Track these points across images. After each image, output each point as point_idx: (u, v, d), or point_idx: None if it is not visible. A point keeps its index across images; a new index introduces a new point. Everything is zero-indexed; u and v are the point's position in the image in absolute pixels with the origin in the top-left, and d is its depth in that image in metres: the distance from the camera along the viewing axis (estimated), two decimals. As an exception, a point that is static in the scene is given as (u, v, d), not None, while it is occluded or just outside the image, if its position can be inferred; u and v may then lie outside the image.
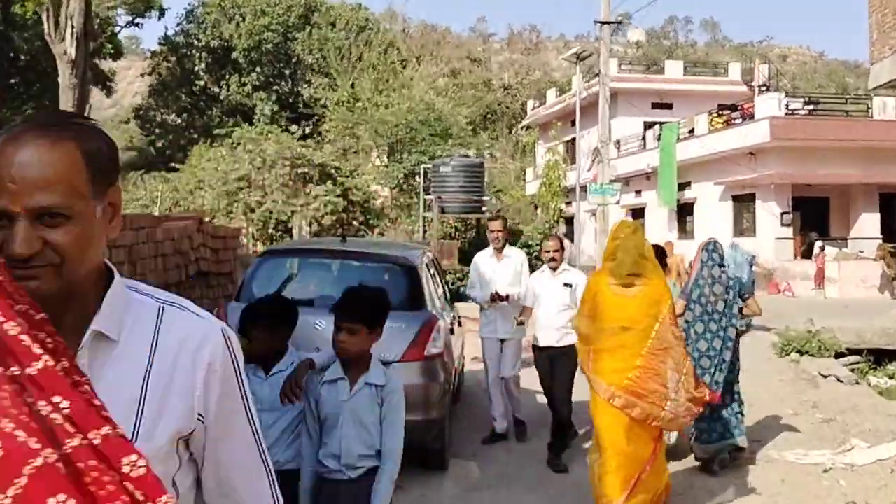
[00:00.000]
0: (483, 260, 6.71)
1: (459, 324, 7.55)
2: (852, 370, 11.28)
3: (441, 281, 7.39)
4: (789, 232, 22.63)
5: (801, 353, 11.58)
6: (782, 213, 22.48)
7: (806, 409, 8.22)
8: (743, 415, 5.96)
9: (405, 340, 5.53)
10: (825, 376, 9.73)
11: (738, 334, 5.93)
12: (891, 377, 12.20)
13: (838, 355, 11.83)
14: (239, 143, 18.77)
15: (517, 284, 6.47)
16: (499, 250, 6.56)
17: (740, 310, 5.81)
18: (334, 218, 17.79)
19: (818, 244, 21.75)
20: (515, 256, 6.68)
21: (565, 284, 6.19)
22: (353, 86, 26.44)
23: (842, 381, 9.43)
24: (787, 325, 13.98)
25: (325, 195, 17.71)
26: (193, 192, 17.96)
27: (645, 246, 4.53)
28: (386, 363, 3.27)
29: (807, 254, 22.52)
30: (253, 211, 17.28)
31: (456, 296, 8.90)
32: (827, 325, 13.06)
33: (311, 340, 4.65)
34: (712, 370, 5.62)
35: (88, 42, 19.56)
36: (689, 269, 6.75)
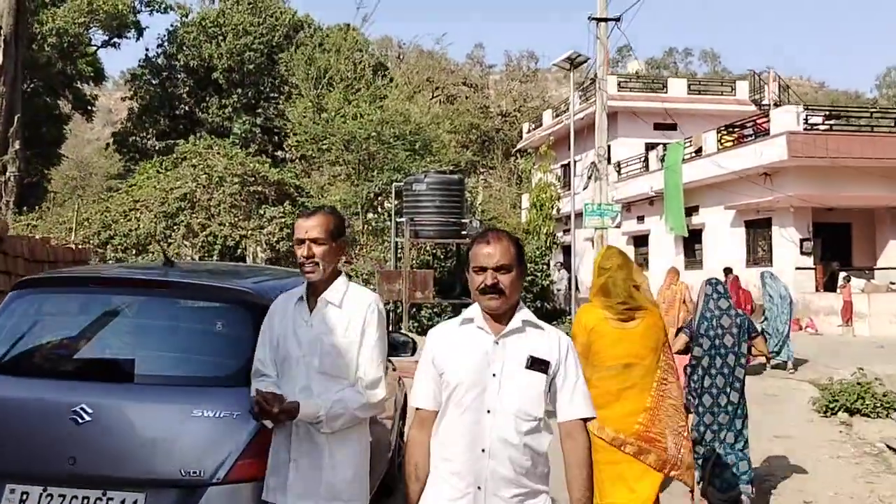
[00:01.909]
0: None
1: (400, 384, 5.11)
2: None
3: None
4: (810, 261, 20.22)
5: (850, 411, 9.11)
6: (802, 240, 20.09)
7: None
8: (749, 462, 5.44)
9: (237, 440, 3.19)
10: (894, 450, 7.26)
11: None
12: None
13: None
14: (184, 159, 16.46)
15: None
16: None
17: (749, 348, 5.51)
18: (291, 244, 15.41)
19: (842, 275, 19.32)
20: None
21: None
22: (319, 97, 24.18)
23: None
24: (830, 375, 11.53)
25: (282, 217, 15.37)
26: (127, 213, 15.60)
27: (635, 274, 4.23)
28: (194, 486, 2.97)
29: (828, 286, 20.09)
30: (196, 235, 14.92)
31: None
32: (862, 369, 10.61)
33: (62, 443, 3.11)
34: (714, 409, 5.37)
35: (20, 46, 17.20)
36: (693, 302, 6.69)
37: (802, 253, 20.09)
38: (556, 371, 2.52)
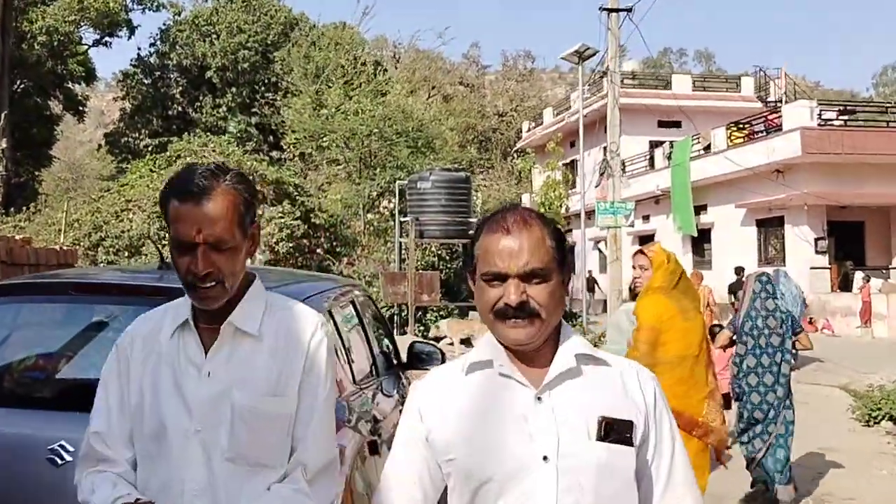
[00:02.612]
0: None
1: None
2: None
3: (375, 335, 4.34)
4: (825, 260, 19.68)
5: (895, 420, 8.51)
6: (817, 239, 19.54)
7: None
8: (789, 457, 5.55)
9: None
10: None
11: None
12: None
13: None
14: (178, 157, 15.78)
15: None
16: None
17: (793, 344, 5.60)
18: (292, 245, 14.77)
19: (860, 275, 18.78)
20: None
21: None
22: (318, 92, 23.47)
23: None
24: (859, 380, 10.96)
25: (281, 217, 14.72)
26: (119, 214, 14.91)
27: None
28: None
29: (843, 286, 19.56)
30: (191, 237, 14.23)
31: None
32: (888, 372, 10.07)
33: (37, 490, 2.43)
34: (763, 406, 5.47)
35: (7, 41, 16.51)
36: (734, 303, 7.06)
37: (817, 252, 19.55)
38: (644, 436, 1.50)
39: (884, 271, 19.58)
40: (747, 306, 5.55)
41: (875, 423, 8.59)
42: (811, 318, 18.31)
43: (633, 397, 1.50)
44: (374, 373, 3.95)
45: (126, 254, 14.38)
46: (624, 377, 1.52)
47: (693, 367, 4.16)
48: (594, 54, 16.62)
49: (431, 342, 5.50)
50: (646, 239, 26.67)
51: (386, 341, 4.66)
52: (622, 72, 34.89)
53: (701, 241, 23.55)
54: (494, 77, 73.55)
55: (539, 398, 1.46)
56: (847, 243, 20.76)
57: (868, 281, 17.79)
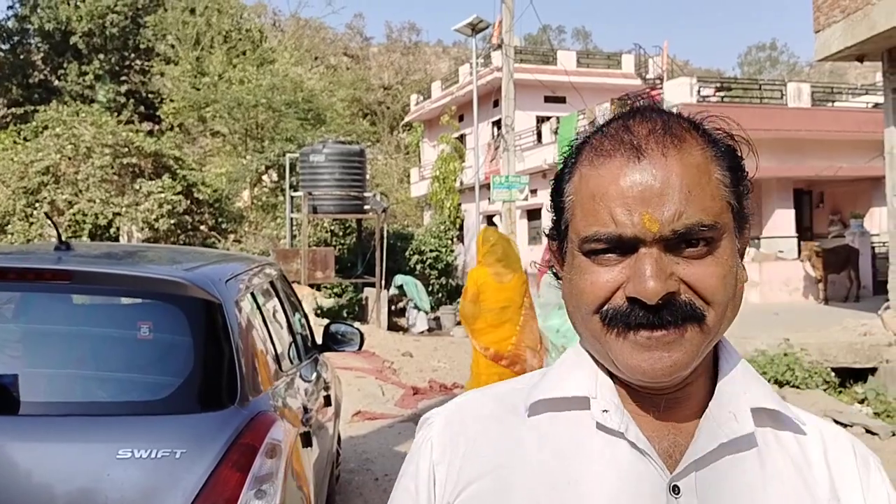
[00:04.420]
0: None
1: (327, 388, 4.18)
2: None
3: (294, 317, 4.04)
4: (702, 231, 20.59)
5: (780, 383, 8.97)
6: (694, 211, 20.40)
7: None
8: None
9: (184, 489, 2.27)
10: (845, 425, 7.04)
11: None
12: (861, 402, 9.79)
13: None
14: (46, 127, 14.56)
15: None
16: None
17: None
18: (173, 221, 13.98)
19: (734, 244, 19.84)
20: None
21: None
22: (199, 59, 22.30)
23: (875, 434, 6.75)
24: (740, 344, 11.49)
25: (161, 192, 13.88)
26: (-20, 189, 13.64)
27: (511, 246, 6.02)
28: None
29: (718, 255, 20.60)
30: (62, 213, 13.21)
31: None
32: (788, 340, 10.69)
33: None
34: None
35: None
36: None
37: (695, 223, 20.41)
38: None
39: (755, 241, 20.71)
40: None
41: (762, 386, 9.03)
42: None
43: (850, 490, 0.85)
44: (298, 358, 3.68)
45: (-11, 233, 13.20)
46: (828, 451, 0.86)
47: (501, 315, 5.64)
48: (487, 27, 16.56)
49: (350, 323, 5.25)
50: (534, 212, 27.09)
51: (303, 321, 4.37)
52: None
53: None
54: (378, 49, 72.79)
55: (676, 488, 0.79)
56: (720, 215, 21.79)
57: (742, 251, 18.78)
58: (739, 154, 0.87)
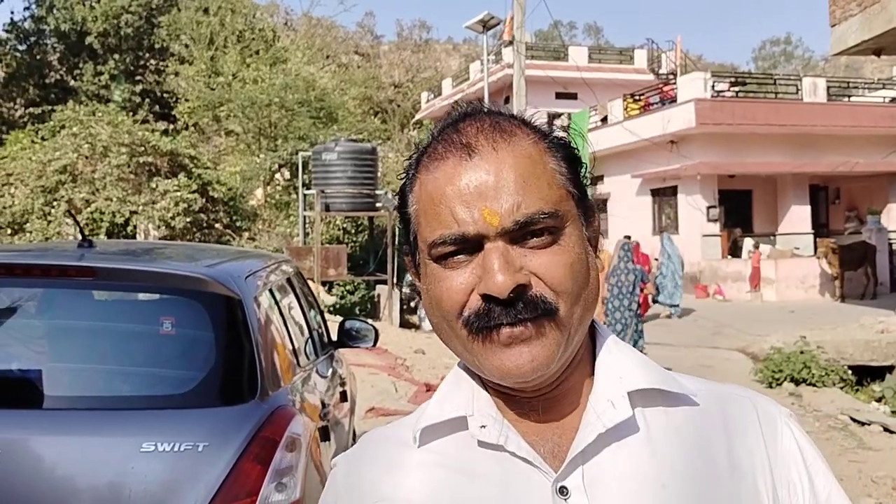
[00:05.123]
0: None
1: (342, 384, 4.21)
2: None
3: (310, 313, 4.08)
4: (716, 228, 20.51)
5: (796, 381, 8.92)
6: (708, 208, 20.32)
7: (880, 490, 5.37)
8: None
9: (206, 481, 2.30)
10: (862, 423, 7.00)
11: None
12: (878, 400, 9.72)
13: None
14: (63, 127, 14.71)
15: None
16: None
17: (641, 289, 9.58)
18: (189, 220, 14.07)
19: (749, 241, 19.71)
20: None
21: None
22: (213, 59, 22.42)
23: (893, 433, 6.70)
24: (756, 343, 11.46)
25: (177, 191, 13.98)
26: (0, 188, 13.79)
27: None
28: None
29: (733, 252, 20.50)
30: (79, 212, 13.34)
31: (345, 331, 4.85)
32: (805, 337, 10.60)
33: None
34: (620, 328, 9.18)
35: None
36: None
37: (709, 220, 20.33)
38: None
39: (771, 238, 20.61)
40: (614, 266, 9.30)
41: (777, 384, 8.98)
42: (706, 285, 19.16)
43: (750, 455, 0.82)
44: (315, 354, 3.71)
45: (9, 231, 13.35)
46: (727, 418, 0.84)
47: None
48: (498, 24, 16.55)
49: (364, 320, 5.27)
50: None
51: (318, 318, 4.40)
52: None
53: (598, 211, 24.12)
54: (388, 47, 72.82)
55: (563, 489, 0.78)
56: (736, 211, 21.68)
57: (758, 248, 18.67)
58: (574, 146, 0.86)
